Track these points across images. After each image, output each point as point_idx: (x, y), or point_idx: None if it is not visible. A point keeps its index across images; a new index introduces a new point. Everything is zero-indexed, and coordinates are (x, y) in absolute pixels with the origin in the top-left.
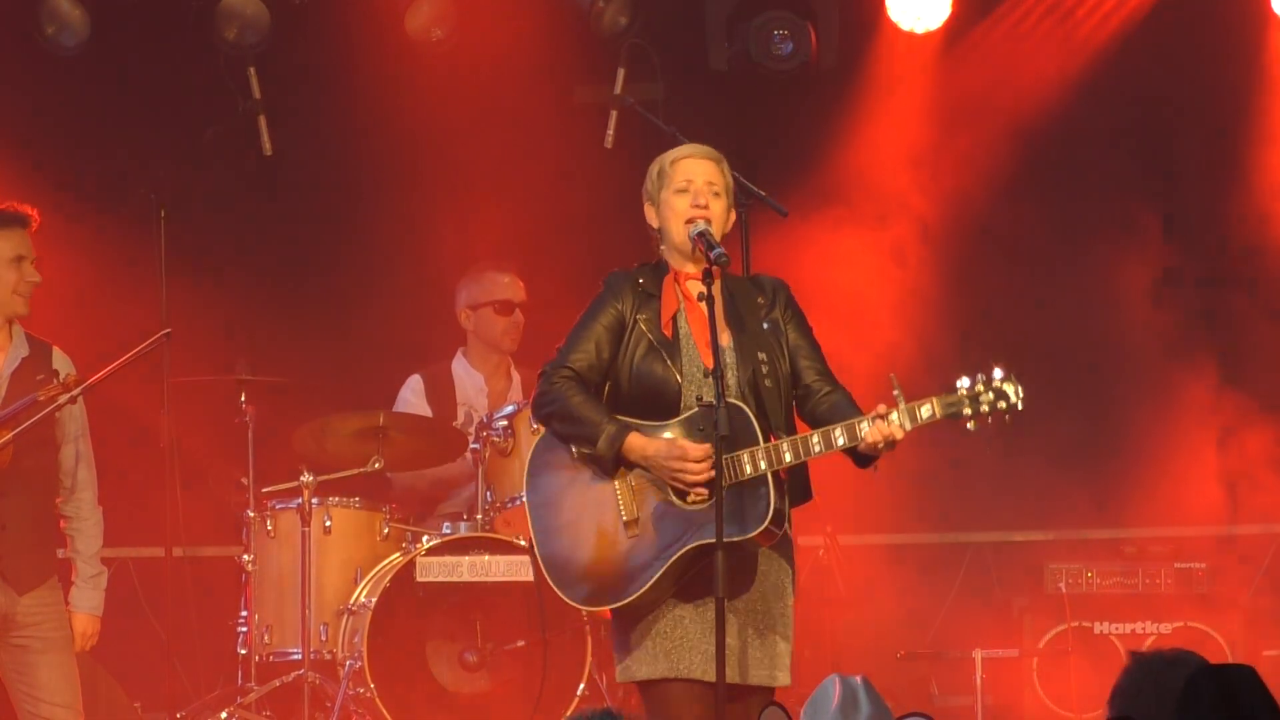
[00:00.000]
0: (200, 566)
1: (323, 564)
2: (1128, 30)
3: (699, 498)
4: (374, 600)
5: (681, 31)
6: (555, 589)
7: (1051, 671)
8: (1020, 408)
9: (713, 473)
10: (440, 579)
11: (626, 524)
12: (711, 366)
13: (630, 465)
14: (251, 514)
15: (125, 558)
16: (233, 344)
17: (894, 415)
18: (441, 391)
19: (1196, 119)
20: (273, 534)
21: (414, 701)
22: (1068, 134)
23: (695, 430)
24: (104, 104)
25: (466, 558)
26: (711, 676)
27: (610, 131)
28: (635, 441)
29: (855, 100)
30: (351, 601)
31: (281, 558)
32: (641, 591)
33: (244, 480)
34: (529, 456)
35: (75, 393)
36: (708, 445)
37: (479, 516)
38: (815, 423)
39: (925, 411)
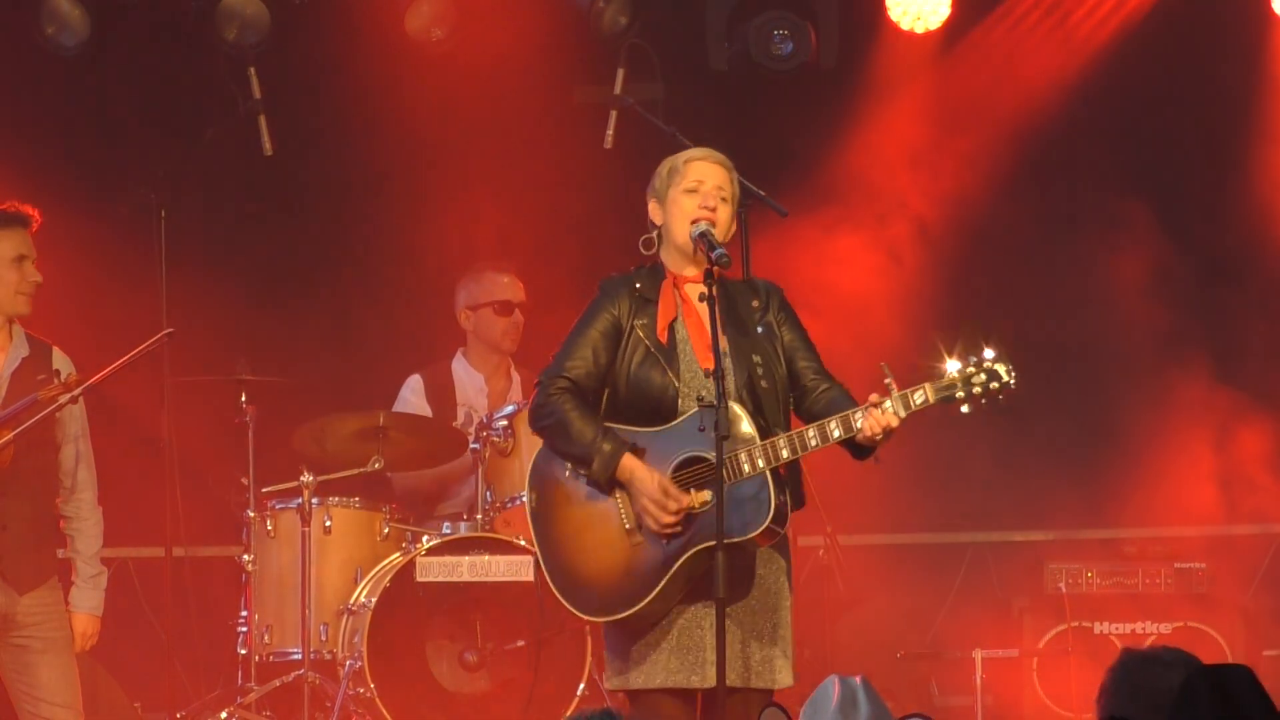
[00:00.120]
0: (200, 566)
1: (323, 564)
2: (1127, 30)
3: (701, 501)
4: (374, 600)
5: (681, 31)
6: (562, 600)
7: (1051, 671)
8: (1013, 386)
9: (677, 520)
10: (440, 579)
11: (629, 532)
12: (709, 370)
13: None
14: (251, 514)
15: (125, 558)
16: (233, 344)
17: (887, 403)
18: (441, 392)
19: (1196, 119)
20: (273, 534)
21: (414, 701)
22: (1067, 134)
23: (686, 435)
24: (104, 104)
25: (466, 558)
26: (706, 683)
27: (610, 131)
28: (627, 464)
29: (855, 100)
30: (351, 601)
31: (281, 558)
32: (650, 599)
33: (244, 480)
34: (529, 466)
35: (76, 393)
36: (686, 501)
37: (479, 516)
38: (813, 420)
39: (919, 397)
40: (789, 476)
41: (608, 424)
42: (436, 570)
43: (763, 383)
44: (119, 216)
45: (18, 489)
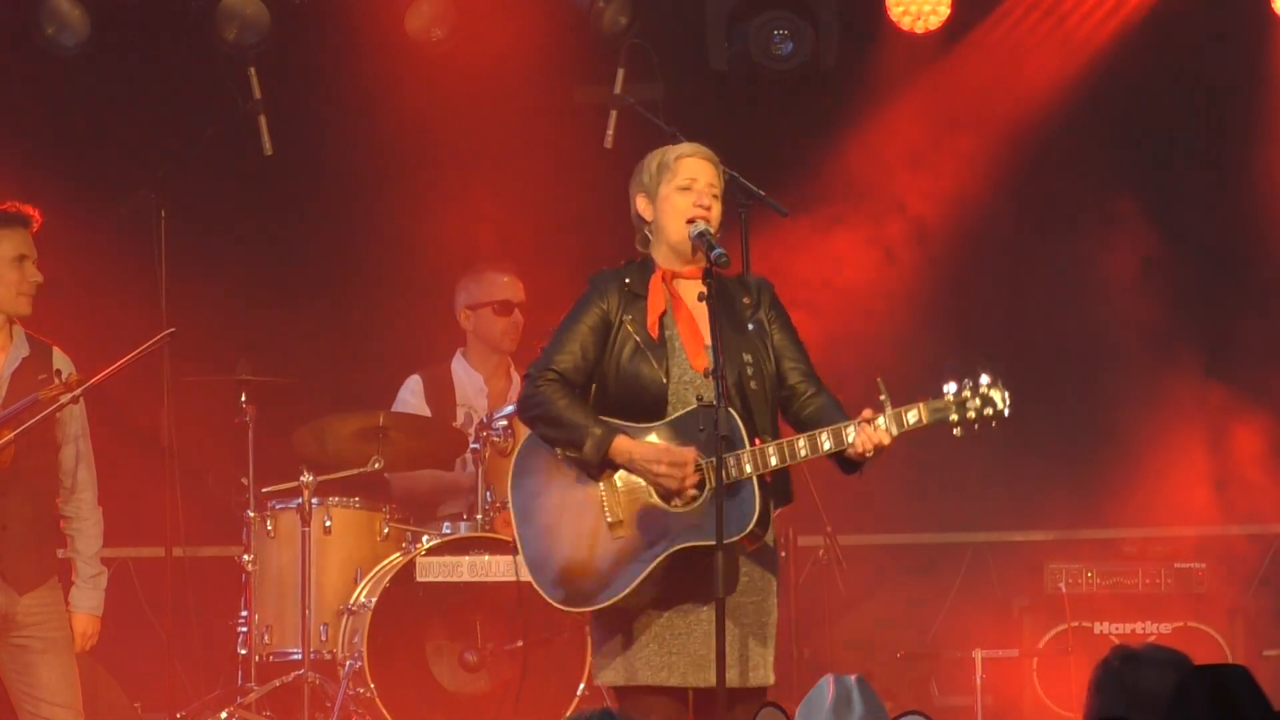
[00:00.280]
0: (200, 566)
1: (323, 564)
2: (1127, 30)
3: (684, 501)
4: (374, 600)
5: (681, 31)
6: (539, 589)
7: (1051, 671)
8: (1006, 414)
9: (698, 478)
10: (440, 579)
11: (611, 525)
12: (700, 370)
13: (616, 468)
14: (251, 514)
15: (125, 558)
16: (233, 344)
17: (880, 420)
18: (441, 392)
19: (1195, 119)
20: (273, 534)
21: (414, 701)
22: (1066, 134)
23: (684, 433)
24: (104, 104)
25: (466, 558)
26: (693, 682)
27: (610, 131)
28: (622, 444)
29: (855, 100)
30: (351, 601)
31: (281, 558)
32: (624, 594)
33: (244, 480)
34: (514, 457)
35: (77, 393)
36: (694, 454)
37: (479, 516)
38: (800, 425)
39: (912, 417)
40: (775, 477)
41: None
42: (436, 570)
43: (752, 383)
44: (119, 216)
45: (18, 489)
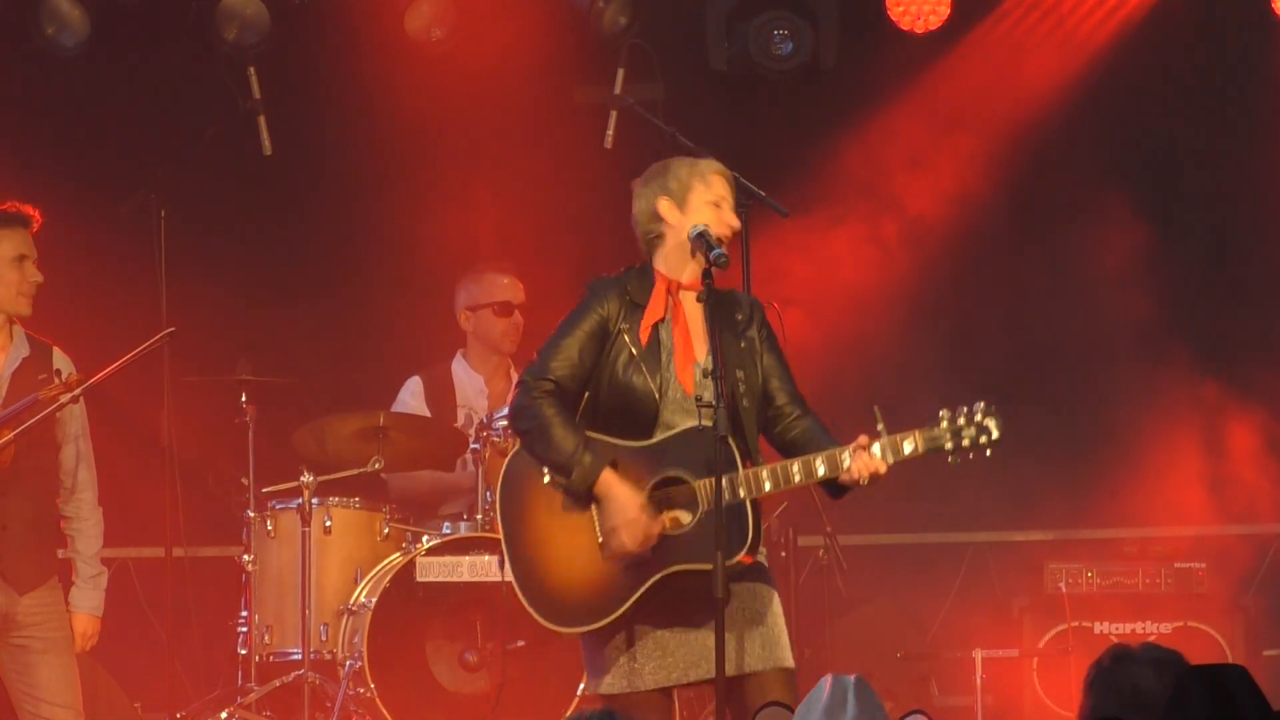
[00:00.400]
0: (200, 566)
1: (323, 564)
2: (1127, 30)
3: (676, 524)
4: (374, 600)
5: (681, 31)
6: (526, 605)
7: (1051, 671)
8: (1000, 443)
9: (651, 542)
10: (440, 579)
11: (602, 545)
12: (688, 390)
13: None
14: (251, 514)
15: (125, 558)
16: (233, 344)
17: (875, 448)
18: (441, 393)
19: (1195, 119)
20: (273, 534)
21: (414, 701)
22: (1066, 134)
23: (677, 453)
24: (104, 104)
25: (466, 558)
26: (693, 677)
27: (610, 131)
28: (607, 479)
29: (855, 100)
30: (351, 601)
31: (281, 558)
32: (615, 616)
33: (244, 480)
34: (503, 468)
35: (77, 392)
36: (657, 530)
37: (479, 516)
38: (785, 447)
39: (908, 446)
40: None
41: (589, 433)
42: (436, 570)
43: (744, 401)
44: (119, 216)
45: (18, 489)
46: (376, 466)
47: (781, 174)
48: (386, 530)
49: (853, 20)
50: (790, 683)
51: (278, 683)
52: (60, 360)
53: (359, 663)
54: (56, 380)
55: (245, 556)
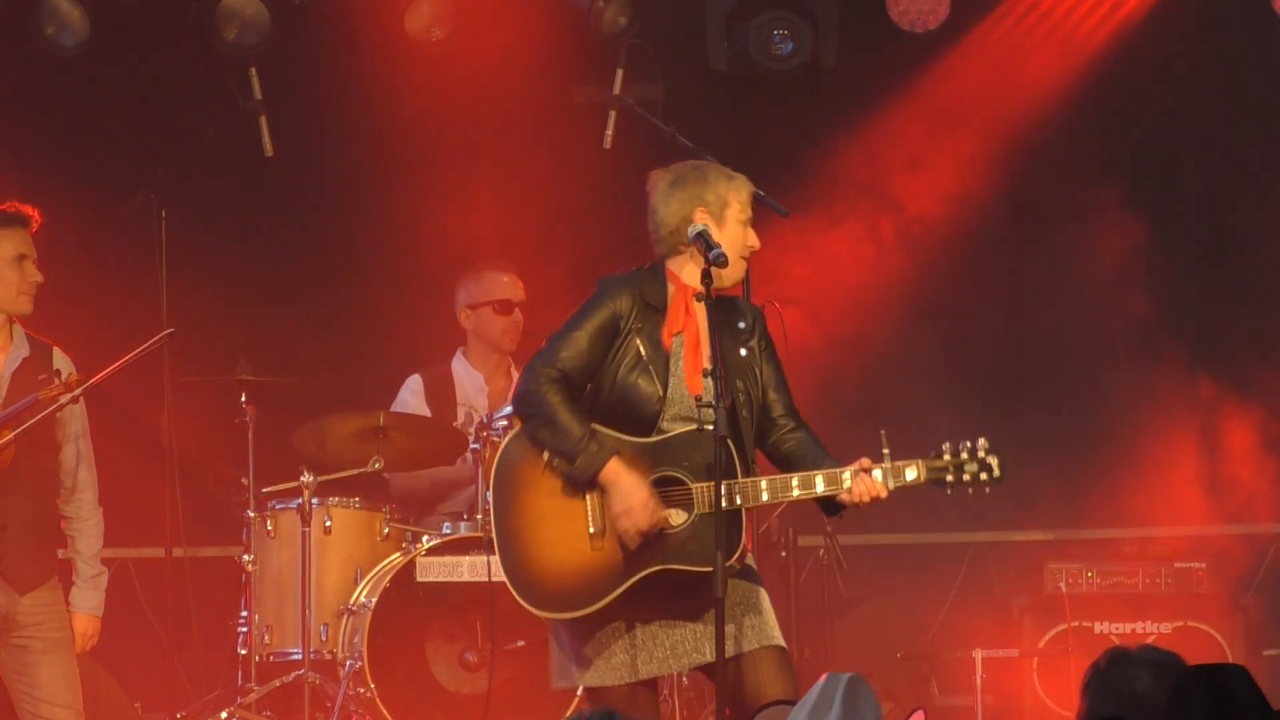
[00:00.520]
0: (200, 566)
1: (323, 564)
2: (1127, 30)
3: (665, 523)
4: (374, 600)
5: (681, 31)
6: (511, 589)
7: (1051, 671)
8: (1000, 482)
9: (653, 531)
10: (440, 579)
11: (593, 535)
12: (696, 393)
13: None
14: (251, 514)
15: (125, 558)
16: (233, 344)
17: (877, 472)
18: (441, 392)
19: (1194, 119)
20: (273, 534)
21: (414, 701)
22: (1066, 134)
23: (677, 453)
24: (104, 104)
25: (466, 558)
26: (672, 668)
27: (609, 131)
28: (613, 468)
29: (854, 100)
30: (351, 601)
31: (281, 558)
32: (600, 605)
33: (244, 480)
34: (500, 450)
35: (77, 392)
36: (662, 518)
37: (479, 516)
38: (779, 459)
39: (910, 474)
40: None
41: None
42: (436, 570)
43: (744, 411)
44: (119, 216)
45: (18, 489)
46: (376, 466)
47: (781, 174)
48: (386, 530)
49: (853, 20)
50: (784, 660)
51: (278, 683)
52: (60, 360)
53: (359, 663)
54: (56, 380)
55: (245, 556)
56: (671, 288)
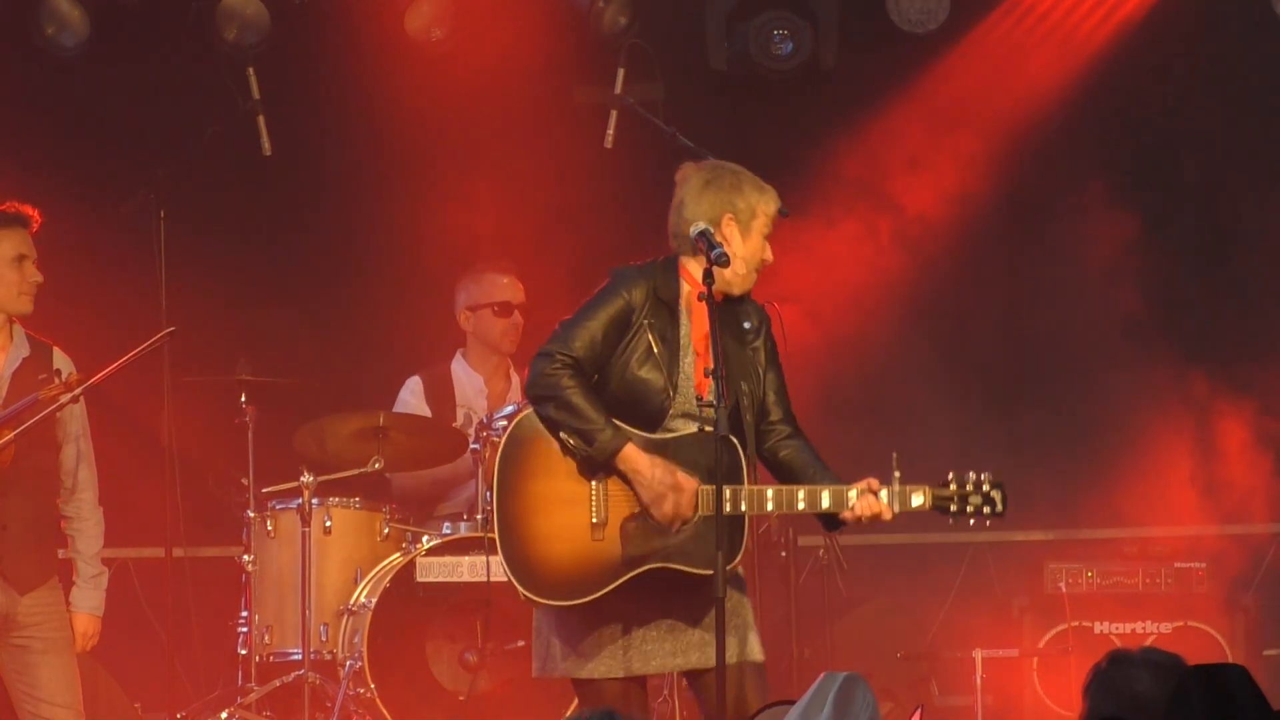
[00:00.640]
0: (200, 566)
1: (323, 564)
2: (1127, 30)
3: (667, 522)
4: (374, 600)
5: (681, 31)
6: (508, 572)
7: (1051, 671)
8: (1002, 516)
9: (692, 512)
10: (440, 579)
11: (594, 526)
12: (704, 393)
13: (614, 472)
14: (251, 514)
15: (125, 558)
16: (233, 344)
17: (883, 494)
18: (441, 393)
19: (1193, 119)
20: (273, 534)
21: (414, 701)
22: (1066, 134)
23: (683, 456)
24: (104, 104)
25: (466, 558)
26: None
27: (610, 131)
28: (631, 452)
29: (855, 100)
30: (351, 601)
31: (281, 558)
32: (595, 596)
33: (244, 480)
34: (507, 431)
35: (77, 392)
36: (696, 482)
37: (479, 516)
38: (775, 465)
39: (916, 500)
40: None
41: None
42: (436, 570)
43: (747, 415)
44: (119, 216)
45: (18, 489)
46: (376, 466)
47: (781, 174)
48: (386, 530)
49: (853, 20)
50: (762, 676)
51: (278, 683)
52: (60, 360)
53: (359, 663)
54: (56, 380)
55: (245, 556)
56: (685, 285)
